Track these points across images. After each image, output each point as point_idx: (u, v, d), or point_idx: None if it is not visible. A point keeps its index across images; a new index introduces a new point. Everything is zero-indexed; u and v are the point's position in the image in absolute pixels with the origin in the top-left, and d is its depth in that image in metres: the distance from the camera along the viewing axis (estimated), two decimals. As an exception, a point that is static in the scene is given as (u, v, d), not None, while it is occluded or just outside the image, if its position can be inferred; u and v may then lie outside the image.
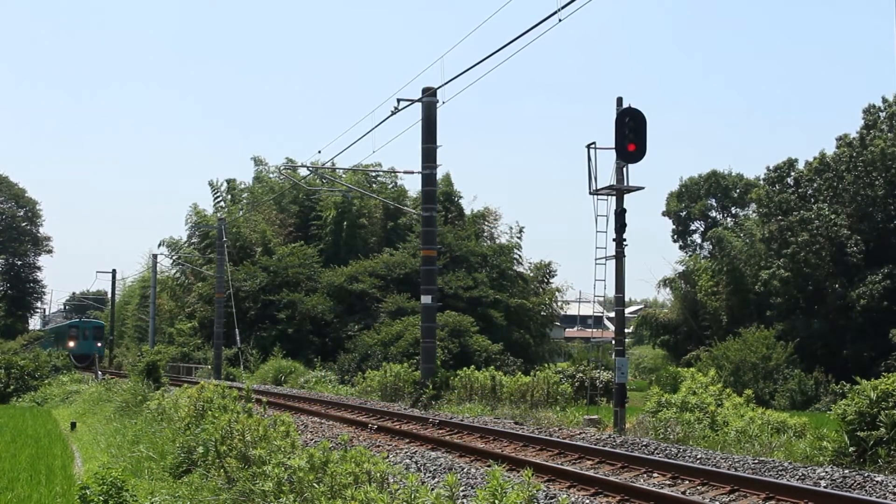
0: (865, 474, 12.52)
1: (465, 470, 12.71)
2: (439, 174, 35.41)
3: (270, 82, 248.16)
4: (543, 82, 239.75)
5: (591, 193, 22.14)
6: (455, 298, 49.02)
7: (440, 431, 18.77)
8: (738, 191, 77.24)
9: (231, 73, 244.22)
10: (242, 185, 70.92)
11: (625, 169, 21.90)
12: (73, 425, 27.59)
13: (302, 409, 24.99)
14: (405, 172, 53.56)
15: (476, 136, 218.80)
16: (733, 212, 78.08)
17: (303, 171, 48.81)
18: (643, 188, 22.17)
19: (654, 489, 11.59)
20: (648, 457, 14.23)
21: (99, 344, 74.64)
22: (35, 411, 37.09)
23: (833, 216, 52.33)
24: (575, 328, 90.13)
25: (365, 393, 32.68)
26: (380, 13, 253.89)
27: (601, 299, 24.31)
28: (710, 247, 71.10)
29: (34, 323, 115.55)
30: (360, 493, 8.42)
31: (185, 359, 56.93)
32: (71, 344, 71.69)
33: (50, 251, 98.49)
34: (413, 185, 75.18)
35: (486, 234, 61.96)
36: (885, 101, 54.99)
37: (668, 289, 72.83)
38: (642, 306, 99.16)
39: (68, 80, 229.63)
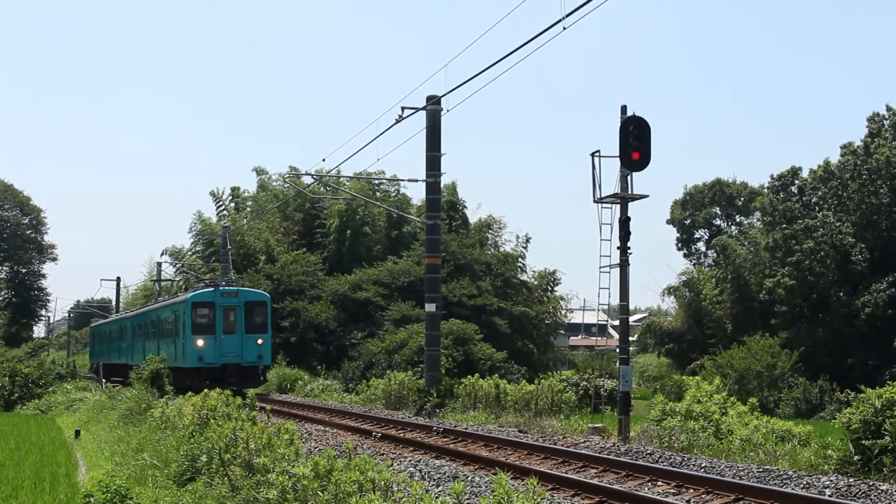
0: (870, 483, 12.48)
1: (469, 478, 12.70)
2: (444, 182, 35.43)
3: (274, 91, 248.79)
4: (548, 91, 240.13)
5: (595, 202, 22.13)
6: (459, 306, 48.99)
7: (444, 439, 18.76)
8: (742, 199, 77.24)
9: (236, 82, 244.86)
10: (246, 194, 70.99)
11: (629, 177, 21.90)
12: (78, 433, 27.57)
13: (306, 417, 24.97)
14: (409, 180, 53.62)
15: (480, 144, 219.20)
16: (738, 220, 78.06)
17: (307, 179, 48.92)
18: (647, 196, 22.16)
19: (658, 497, 11.58)
20: (653, 465, 14.20)
21: (260, 341, 35.13)
22: (39, 419, 37.09)
23: (838, 224, 52.28)
24: (579, 336, 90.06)
25: (369, 401, 32.65)
26: (384, 22, 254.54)
27: (605, 307, 24.24)
28: (715, 255, 71.06)
29: (38, 331, 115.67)
30: (364, 502, 8.42)
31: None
32: (199, 343, 34.30)
33: (54, 259, 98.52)
34: (417, 194, 75.34)
35: (490, 242, 61.96)
36: (889, 109, 54.99)
37: (672, 297, 72.78)
38: (647, 314, 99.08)
39: (73, 89, 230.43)
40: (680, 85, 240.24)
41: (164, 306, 40.25)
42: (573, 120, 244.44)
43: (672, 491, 12.57)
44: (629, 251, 21.99)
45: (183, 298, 36.24)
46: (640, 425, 23.40)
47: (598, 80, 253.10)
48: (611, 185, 22.02)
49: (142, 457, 17.90)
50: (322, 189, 52.92)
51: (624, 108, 21.90)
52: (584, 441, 18.57)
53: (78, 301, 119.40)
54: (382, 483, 9.00)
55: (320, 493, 9.20)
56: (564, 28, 19.11)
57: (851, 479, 12.81)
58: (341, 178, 49.94)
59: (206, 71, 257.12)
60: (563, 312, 64.83)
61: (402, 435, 19.51)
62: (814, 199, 56.91)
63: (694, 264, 76.91)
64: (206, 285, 37.33)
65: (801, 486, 12.63)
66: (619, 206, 22.01)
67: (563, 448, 16.35)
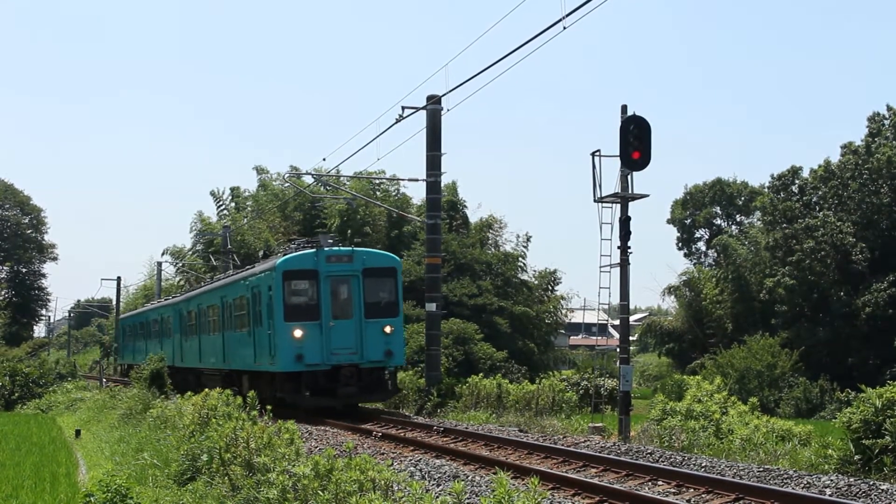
0: (871, 483, 12.48)
1: (469, 478, 12.69)
2: (444, 182, 35.39)
3: (275, 91, 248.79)
4: (548, 90, 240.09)
5: (595, 201, 22.12)
6: (459, 306, 48.98)
7: (445, 439, 18.75)
8: (742, 198, 77.28)
9: (236, 82, 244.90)
10: (246, 193, 70.96)
11: (629, 176, 21.90)
12: (78, 433, 27.58)
13: (306, 416, 24.94)
14: (410, 180, 53.59)
15: (481, 143, 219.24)
16: (738, 219, 78.11)
17: (307, 179, 48.91)
18: (648, 196, 22.16)
19: (658, 497, 11.58)
20: (653, 465, 14.20)
21: (388, 329, 23.47)
22: (40, 418, 37.09)
23: (838, 224, 52.29)
24: (580, 336, 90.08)
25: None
26: (385, 22, 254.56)
27: (606, 307, 24.26)
28: (715, 254, 71.12)
29: (39, 330, 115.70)
30: (364, 501, 8.42)
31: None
32: (296, 334, 22.54)
33: (55, 258, 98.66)
34: (417, 193, 75.35)
35: (490, 241, 61.95)
36: (889, 108, 55.02)
37: (672, 297, 72.85)
38: (647, 314, 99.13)
39: (73, 89, 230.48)
40: (680, 85, 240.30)
41: (231, 282, 28.33)
42: (573, 119, 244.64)
43: (672, 490, 12.57)
44: (629, 251, 21.98)
45: (267, 266, 24.27)
46: (640, 425, 23.42)
47: (599, 80, 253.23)
48: (611, 185, 22.04)
49: (142, 456, 17.91)
50: (322, 189, 52.87)
51: (624, 108, 21.90)
52: (585, 441, 18.55)
53: (78, 301, 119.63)
54: (383, 482, 9.00)
55: (321, 493, 9.20)
56: (565, 28, 19.08)
57: (852, 479, 12.80)
58: (341, 178, 49.93)
59: (206, 71, 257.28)
60: (564, 312, 64.82)
61: (402, 434, 19.50)
62: (814, 199, 56.92)
63: (694, 264, 76.97)
64: (298, 246, 24.74)
65: (802, 485, 12.62)
66: (619, 205, 22.01)
67: (563, 448, 16.34)
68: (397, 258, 25.42)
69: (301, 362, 22.41)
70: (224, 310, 28.40)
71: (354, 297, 23.23)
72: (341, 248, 24.51)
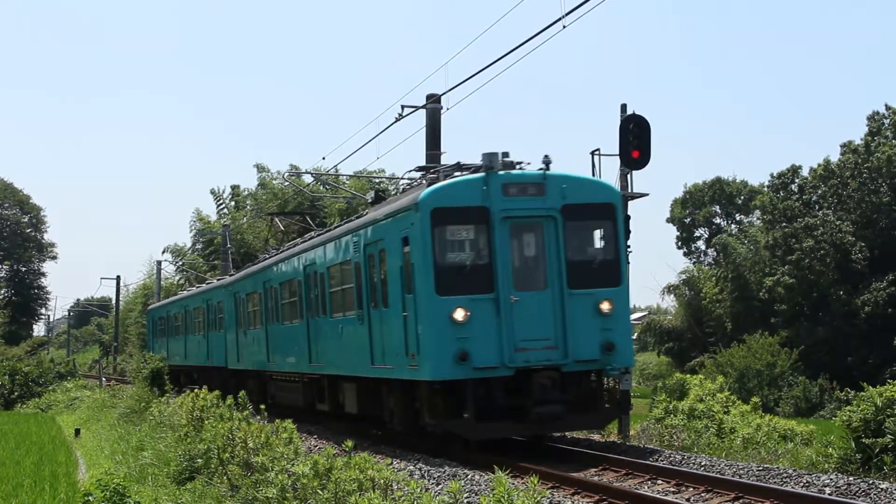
0: (871, 482, 12.45)
1: (468, 477, 12.68)
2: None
3: (275, 89, 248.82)
4: (548, 89, 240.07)
5: (595, 200, 22.00)
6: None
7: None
8: (742, 197, 77.25)
9: (235, 82, 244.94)
10: (246, 192, 70.77)
11: (629, 175, 21.85)
12: (78, 432, 27.58)
13: (306, 416, 24.88)
14: (409, 179, 53.41)
15: (480, 142, 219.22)
16: (738, 218, 78.08)
17: (307, 178, 48.83)
18: (647, 195, 22.09)
19: (658, 496, 11.57)
20: (653, 464, 14.17)
21: (606, 306, 14.67)
22: (39, 418, 37.08)
23: (838, 223, 52.30)
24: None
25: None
26: (384, 21, 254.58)
27: (605, 306, 24.16)
28: (715, 253, 71.10)
29: (38, 329, 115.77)
30: (364, 500, 8.42)
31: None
32: (456, 316, 13.95)
33: (54, 257, 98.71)
34: (417, 192, 74.85)
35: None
36: (888, 108, 55.04)
37: (672, 296, 72.82)
38: (647, 313, 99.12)
39: (73, 89, 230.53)
40: (680, 84, 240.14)
41: (325, 242, 19.48)
42: (573, 118, 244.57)
43: (672, 489, 12.56)
44: (629, 249, 21.95)
45: (401, 205, 15.61)
46: (640, 424, 23.40)
47: (599, 79, 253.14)
48: (611, 184, 21.96)
49: (141, 456, 17.91)
50: (322, 188, 52.80)
51: (624, 107, 21.84)
52: (584, 439, 18.54)
53: (78, 300, 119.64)
54: (382, 482, 8.99)
55: (320, 492, 9.20)
56: (564, 27, 18.99)
57: (852, 478, 12.76)
58: (341, 177, 49.86)
59: (206, 71, 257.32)
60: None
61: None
62: (814, 198, 56.94)
63: (694, 263, 76.94)
64: (450, 171, 15.88)
65: (801, 484, 12.60)
66: (618, 204, 21.93)
67: (562, 446, 16.32)
68: (615, 188, 17.02)
69: (466, 364, 14.03)
70: (309, 286, 19.97)
71: (550, 252, 14.75)
72: (525, 171, 15.27)
